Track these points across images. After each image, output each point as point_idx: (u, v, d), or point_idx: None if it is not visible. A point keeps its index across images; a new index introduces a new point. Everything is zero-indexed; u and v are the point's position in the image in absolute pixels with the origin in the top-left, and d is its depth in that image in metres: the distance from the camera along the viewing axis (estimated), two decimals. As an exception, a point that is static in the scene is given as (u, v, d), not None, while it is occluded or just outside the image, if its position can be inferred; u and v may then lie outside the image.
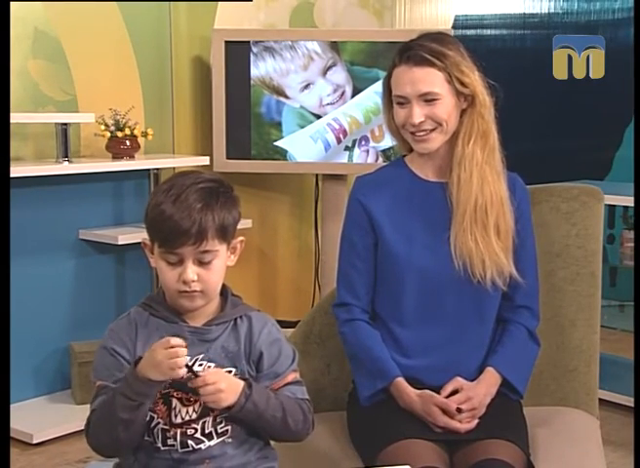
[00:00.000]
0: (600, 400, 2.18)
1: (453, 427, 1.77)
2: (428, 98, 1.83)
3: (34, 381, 3.32)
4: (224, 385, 1.48)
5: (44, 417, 3.16)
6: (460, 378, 1.85)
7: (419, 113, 1.83)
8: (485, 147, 1.87)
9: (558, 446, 1.89)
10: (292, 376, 1.60)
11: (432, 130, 1.85)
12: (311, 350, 2.11)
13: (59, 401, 3.31)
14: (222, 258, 1.54)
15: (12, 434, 2.97)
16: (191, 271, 1.50)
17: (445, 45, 1.85)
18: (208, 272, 1.52)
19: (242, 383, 1.51)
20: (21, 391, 3.22)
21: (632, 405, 3.09)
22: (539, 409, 2.04)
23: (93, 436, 1.54)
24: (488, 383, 1.85)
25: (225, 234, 1.53)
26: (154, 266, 1.57)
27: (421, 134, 1.85)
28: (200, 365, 1.53)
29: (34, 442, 3.04)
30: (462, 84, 1.84)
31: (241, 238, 1.58)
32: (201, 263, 1.51)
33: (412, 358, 1.88)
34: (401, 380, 1.85)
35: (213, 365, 1.54)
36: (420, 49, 1.83)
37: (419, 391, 1.83)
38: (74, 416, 3.09)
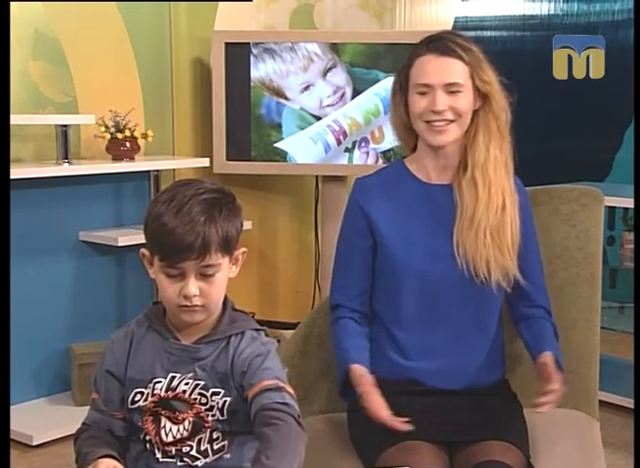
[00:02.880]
0: (600, 401, 2.18)
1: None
2: (452, 90, 1.83)
3: (34, 383, 3.32)
4: None
5: (44, 419, 3.16)
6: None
7: (443, 101, 1.83)
8: (502, 150, 1.88)
9: (558, 447, 1.88)
10: (269, 382, 1.46)
11: (451, 121, 1.85)
12: (311, 351, 2.11)
13: (59, 402, 3.31)
14: (225, 272, 1.50)
15: (11, 435, 2.96)
16: (193, 286, 1.45)
17: (469, 42, 1.88)
18: (210, 286, 1.47)
19: None
20: (21, 392, 3.21)
21: (632, 406, 3.08)
22: (539, 410, 2.03)
23: (76, 448, 1.57)
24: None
25: (229, 247, 1.49)
26: (153, 278, 1.52)
27: (441, 124, 1.84)
28: (186, 383, 1.51)
29: (34, 443, 3.03)
30: (482, 81, 1.85)
31: (243, 249, 1.54)
32: (203, 277, 1.46)
33: (412, 360, 1.88)
34: (355, 367, 1.84)
35: (201, 383, 1.50)
36: (448, 40, 1.85)
37: (365, 380, 1.82)
38: (74, 418, 3.03)
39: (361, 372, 1.84)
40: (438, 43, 1.85)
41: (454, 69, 1.83)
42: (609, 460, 2.18)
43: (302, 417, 1.48)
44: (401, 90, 1.91)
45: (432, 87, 1.83)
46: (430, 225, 1.90)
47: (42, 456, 2.99)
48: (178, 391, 1.51)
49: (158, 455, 1.52)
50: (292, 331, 2.14)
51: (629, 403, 3.21)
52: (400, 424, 1.73)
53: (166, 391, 1.51)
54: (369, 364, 1.87)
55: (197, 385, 1.50)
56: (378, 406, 1.78)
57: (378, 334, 1.94)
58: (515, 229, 1.88)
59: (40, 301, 3.29)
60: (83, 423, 1.59)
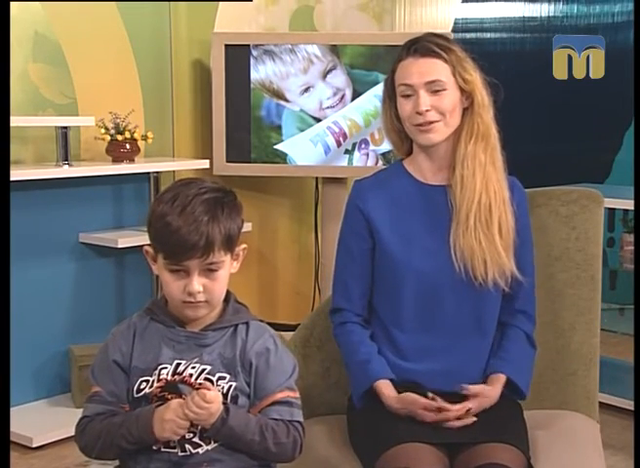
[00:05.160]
0: (600, 403, 2.18)
1: (444, 419, 1.77)
2: (435, 88, 1.85)
3: (34, 384, 3.32)
4: (215, 409, 1.48)
5: (44, 421, 3.15)
6: (485, 387, 1.84)
7: (425, 101, 1.84)
8: (487, 148, 1.89)
9: (558, 449, 1.88)
10: (281, 395, 1.56)
11: (436, 121, 1.86)
12: (311, 354, 2.11)
13: (58, 404, 3.30)
14: (227, 268, 1.54)
15: (11, 437, 2.96)
16: (197, 283, 1.50)
17: (449, 42, 1.90)
18: (213, 282, 1.52)
19: (222, 407, 1.50)
20: (21, 394, 3.21)
21: (632, 408, 3.08)
22: (539, 412, 2.03)
23: (83, 441, 1.58)
24: (499, 390, 1.86)
25: (231, 244, 1.53)
26: (157, 274, 1.57)
27: (426, 125, 1.86)
28: (193, 367, 1.54)
29: (34, 445, 3.03)
30: (464, 80, 1.87)
31: (244, 245, 1.58)
32: (206, 274, 1.51)
33: (410, 361, 1.88)
34: (381, 383, 1.85)
35: (207, 367, 1.53)
36: (427, 42, 1.87)
37: (398, 395, 1.82)
38: (74, 420, 3.02)
39: (384, 388, 1.84)
40: (418, 45, 1.87)
41: (434, 68, 1.85)
42: (609, 462, 2.19)
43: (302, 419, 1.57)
44: (389, 95, 1.93)
45: (414, 87, 1.85)
46: (428, 225, 1.90)
47: (42, 458, 2.99)
48: (184, 375, 1.53)
49: (160, 445, 1.53)
50: (292, 333, 2.14)
51: (629, 405, 3.21)
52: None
53: (172, 375, 1.53)
54: (390, 373, 1.87)
55: (203, 370, 1.53)
56: (423, 413, 1.78)
57: (376, 334, 1.94)
58: (507, 227, 1.88)
59: (40, 303, 3.29)
60: (84, 416, 1.59)
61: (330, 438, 1.95)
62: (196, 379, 1.53)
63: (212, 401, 1.47)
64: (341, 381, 2.07)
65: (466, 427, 1.79)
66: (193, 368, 1.53)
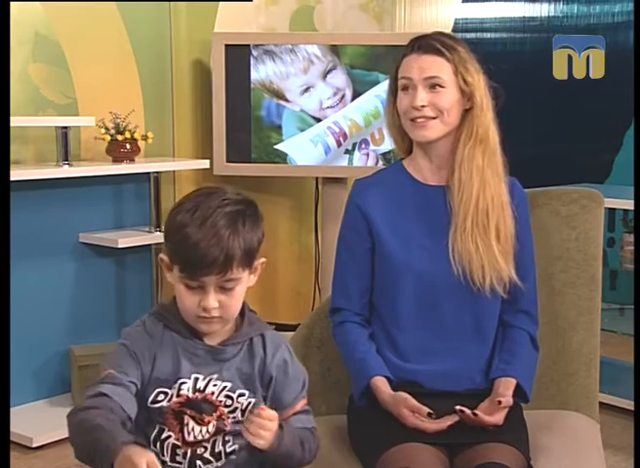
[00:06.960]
0: (600, 403, 2.18)
1: (422, 428, 1.75)
2: (433, 84, 1.85)
3: (34, 385, 3.32)
4: (275, 427, 1.46)
5: (44, 421, 3.15)
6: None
7: (422, 96, 1.85)
8: (485, 152, 1.88)
9: (558, 449, 1.88)
10: (300, 404, 1.57)
11: (433, 118, 1.86)
12: (312, 353, 2.11)
13: (58, 404, 3.30)
14: (244, 284, 1.49)
15: (11, 437, 2.96)
16: (213, 299, 1.45)
17: (456, 42, 1.90)
18: (229, 299, 1.47)
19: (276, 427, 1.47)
20: (21, 394, 3.21)
21: (632, 408, 3.08)
22: (539, 412, 2.03)
23: (71, 439, 1.44)
24: (510, 395, 1.84)
25: (251, 260, 1.48)
26: (170, 282, 1.51)
27: (422, 120, 1.86)
28: (215, 385, 1.50)
29: (34, 445, 3.03)
30: (465, 81, 1.86)
31: (263, 259, 1.52)
32: (223, 290, 1.46)
33: (410, 362, 1.88)
34: (377, 380, 1.84)
35: (228, 384, 1.51)
36: (432, 40, 1.88)
37: (393, 392, 1.82)
38: (74, 420, 3.07)
39: (380, 385, 1.84)
40: (422, 41, 1.88)
41: (435, 65, 1.85)
42: (609, 462, 2.19)
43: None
44: (391, 91, 1.93)
45: (413, 82, 1.86)
46: (427, 226, 1.90)
47: (42, 458, 2.99)
48: (206, 392, 1.50)
49: (165, 459, 1.50)
50: (292, 333, 2.14)
51: (629, 404, 3.21)
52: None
53: (193, 392, 1.50)
54: (386, 371, 1.87)
55: (225, 387, 1.51)
56: (406, 413, 1.77)
57: (376, 333, 1.94)
58: (505, 232, 1.88)
59: (40, 303, 3.29)
60: (84, 408, 1.42)
61: (330, 438, 1.95)
62: (217, 397, 1.50)
63: (273, 419, 1.44)
64: (342, 381, 2.07)
65: (466, 427, 1.78)
66: (215, 385, 1.50)
